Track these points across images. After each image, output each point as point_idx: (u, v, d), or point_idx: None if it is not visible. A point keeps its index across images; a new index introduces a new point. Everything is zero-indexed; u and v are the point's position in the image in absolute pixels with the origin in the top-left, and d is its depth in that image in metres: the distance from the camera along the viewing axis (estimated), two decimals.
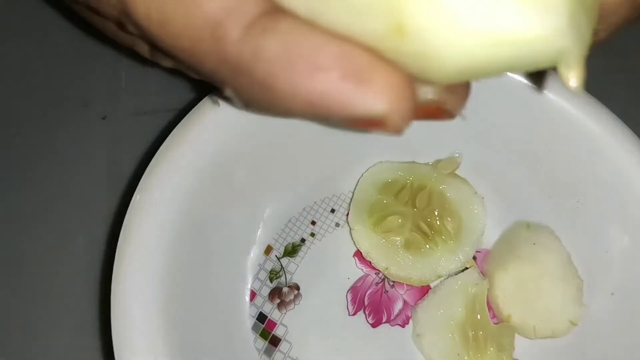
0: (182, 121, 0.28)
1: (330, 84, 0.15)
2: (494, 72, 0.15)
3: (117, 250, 0.25)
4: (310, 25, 0.15)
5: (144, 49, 0.23)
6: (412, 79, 0.16)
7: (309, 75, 0.15)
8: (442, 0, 0.14)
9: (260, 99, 0.17)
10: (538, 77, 0.30)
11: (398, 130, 0.16)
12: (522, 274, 0.31)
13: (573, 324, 0.30)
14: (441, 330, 0.30)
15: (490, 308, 0.31)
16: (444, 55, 0.14)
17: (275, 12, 0.16)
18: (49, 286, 0.32)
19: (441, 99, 0.18)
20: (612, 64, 0.41)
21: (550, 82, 0.30)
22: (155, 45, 0.19)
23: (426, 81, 0.16)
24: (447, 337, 0.30)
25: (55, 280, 0.32)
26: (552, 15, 0.14)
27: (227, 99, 0.17)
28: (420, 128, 0.33)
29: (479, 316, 0.30)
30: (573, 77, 0.16)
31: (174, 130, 0.28)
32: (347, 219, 0.33)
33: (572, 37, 0.15)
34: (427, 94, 0.18)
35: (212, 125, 0.28)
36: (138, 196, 0.26)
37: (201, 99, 0.28)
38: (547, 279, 0.30)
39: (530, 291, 0.30)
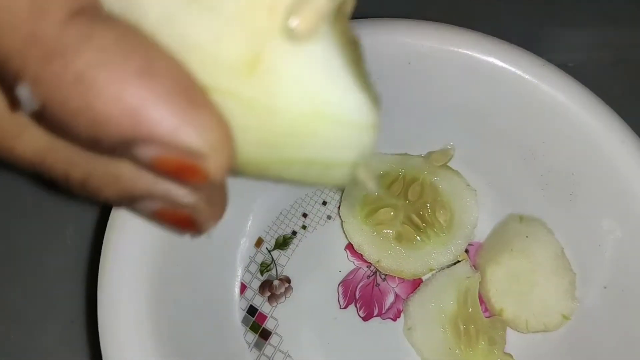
0: None
1: (160, 95, 0.13)
2: (300, 157, 0.15)
3: (103, 244, 0.25)
4: (147, 35, 0.14)
5: None
6: (232, 131, 0.14)
7: (140, 77, 0.13)
8: (303, 53, 0.14)
9: (68, 98, 0.13)
10: None
11: (211, 180, 0.14)
12: (515, 268, 0.30)
13: (566, 317, 0.30)
14: (433, 324, 0.30)
15: (482, 302, 0.31)
16: (277, 107, 0.14)
17: (107, 12, 0.14)
18: (37, 275, 0.32)
19: (199, 206, 0.16)
20: (607, 57, 0.41)
21: (544, 73, 0.29)
22: None
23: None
24: (439, 330, 0.29)
25: (45, 269, 0.32)
26: (374, 111, 0.15)
27: (15, 101, 0.14)
28: (411, 119, 0.33)
29: (470, 309, 0.30)
30: (372, 180, 0.16)
31: None
32: (338, 211, 0.33)
33: (376, 137, 0.15)
34: (186, 197, 0.16)
35: None
36: None
37: None
38: (540, 272, 0.30)
39: (523, 285, 0.30)
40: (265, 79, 0.14)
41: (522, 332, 0.30)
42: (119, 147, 0.14)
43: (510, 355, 0.30)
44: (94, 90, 0.13)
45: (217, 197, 0.18)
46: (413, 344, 0.30)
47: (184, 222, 0.17)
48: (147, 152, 0.13)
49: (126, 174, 0.16)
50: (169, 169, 0.14)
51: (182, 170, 0.14)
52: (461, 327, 0.29)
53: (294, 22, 0.13)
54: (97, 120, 0.13)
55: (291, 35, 0.13)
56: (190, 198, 0.16)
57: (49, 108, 0.13)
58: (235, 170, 0.16)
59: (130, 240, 0.25)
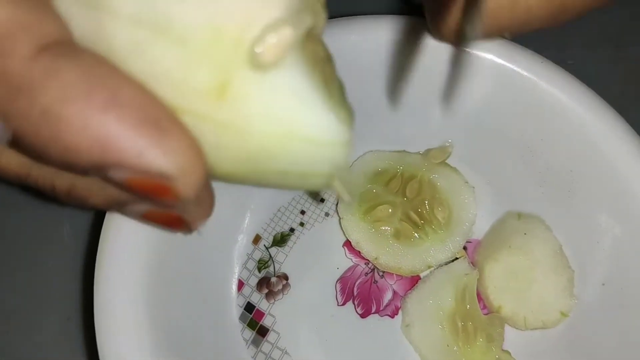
0: None
1: (126, 124, 0.13)
2: (276, 169, 0.16)
3: (100, 241, 0.25)
4: (113, 65, 0.14)
5: None
6: (203, 152, 0.15)
7: (105, 108, 0.13)
8: (271, 80, 0.14)
9: (37, 131, 0.13)
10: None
11: (182, 199, 0.15)
12: (513, 265, 0.30)
13: (564, 315, 0.30)
14: (431, 321, 0.30)
15: (480, 299, 0.31)
16: (248, 129, 0.15)
17: (76, 44, 0.14)
18: (34, 272, 0.32)
19: (186, 207, 0.17)
20: (606, 55, 0.41)
21: (542, 70, 0.29)
22: None
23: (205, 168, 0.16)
24: (437, 327, 0.29)
25: (41, 266, 0.32)
26: (346, 129, 0.16)
27: None
28: (410, 116, 0.33)
29: (468, 306, 0.30)
30: (346, 194, 0.18)
31: None
32: (336, 208, 0.33)
33: (349, 153, 0.17)
34: (167, 162, 0.16)
35: None
36: None
37: None
38: (539, 269, 0.30)
39: (521, 282, 0.30)
40: (235, 104, 0.14)
41: (520, 329, 0.30)
42: (92, 170, 0.14)
43: (508, 353, 0.29)
44: (61, 124, 0.13)
45: (203, 197, 0.18)
46: (411, 340, 0.30)
47: (174, 222, 0.18)
48: (118, 175, 0.14)
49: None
50: (141, 189, 0.14)
51: (153, 190, 0.14)
52: (459, 324, 0.29)
53: (260, 53, 0.14)
54: (68, 149, 0.14)
55: (258, 64, 0.14)
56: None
57: (20, 139, 0.14)
58: (216, 179, 0.17)
59: (126, 238, 0.25)
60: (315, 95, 0.15)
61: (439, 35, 0.27)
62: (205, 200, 0.18)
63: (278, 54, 0.14)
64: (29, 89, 0.13)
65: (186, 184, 0.14)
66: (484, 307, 0.31)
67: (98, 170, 0.14)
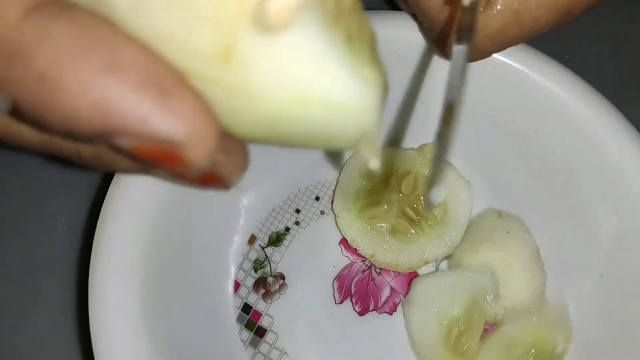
0: None
1: (127, 87, 0.12)
2: (297, 133, 0.15)
3: (94, 238, 0.25)
4: (113, 24, 0.13)
5: None
6: (214, 116, 0.14)
7: (105, 71, 0.12)
8: (281, 42, 0.13)
9: (35, 97, 0.13)
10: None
11: (194, 167, 0.14)
12: (493, 260, 0.30)
13: (533, 314, 0.30)
14: (432, 314, 0.29)
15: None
16: (261, 96, 0.14)
17: (70, 3, 0.13)
18: (29, 268, 0.32)
19: (219, 161, 0.16)
20: (604, 49, 0.41)
21: (535, 62, 0.29)
22: None
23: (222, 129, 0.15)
24: (434, 323, 0.29)
25: (36, 261, 0.32)
26: (372, 91, 0.14)
27: None
28: (403, 112, 0.33)
29: (474, 325, 0.29)
30: (374, 158, 0.16)
31: None
32: (332, 206, 0.33)
33: (378, 117, 0.15)
34: (172, 127, 0.15)
35: None
36: (115, 185, 0.26)
37: None
38: (517, 267, 0.30)
39: (498, 277, 0.30)
40: (243, 69, 0.13)
41: (489, 323, 0.30)
42: (97, 138, 0.13)
43: None
44: (59, 89, 0.12)
45: (234, 148, 0.17)
46: (406, 316, 0.30)
47: (207, 179, 0.17)
48: (123, 143, 0.13)
49: None
50: (148, 157, 0.13)
51: (161, 158, 0.13)
52: (455, 330, 0.29)
53: (265, 13, 0.13)
54: (68, 116, 0.13)
55: (264, 26, 0.13)
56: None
57: (19, 107, 0.13)
58: (239, 139, 0.16)
59: (122, 236, 0.25)
60: (335, 55, 0.14)
61: (444, 56, 0.27)
62: (238, 150, 0.17)
63: (285, 14, 0.13)
64: (22, 54, 0.12)
65: (197, 151, 0.13)
66: (489, 329, 0.30)
67: (102, 138, 0.13)
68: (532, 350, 0.29)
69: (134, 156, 0.14)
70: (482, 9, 0.23)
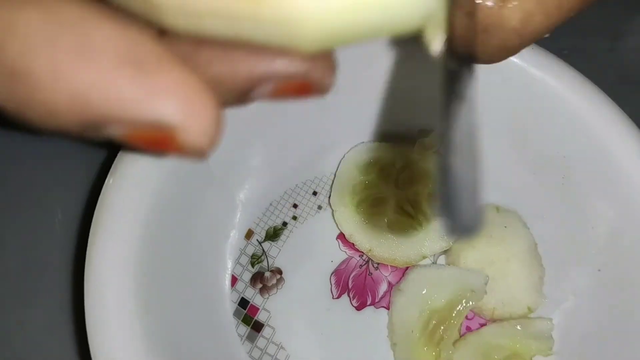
0: None
1: (102, 71, 0.11)
2: (359, 37, 0.14)
3: (90, 233, 0.25)
4: (85, 6, 0.12)
5: None
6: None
7: (76, 57, 0.11)
8: None
9: (12, 94, 0.12)
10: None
11: (193, 150, 0.12)
12: (491, 254, 0.30)
13: (530, 310, 0.30)
14: (416, 301, 0.29)
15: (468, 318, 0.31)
16: (305, 19, 0.12)
17: None
18: (25, 261, 0.32)
19: (305, 69, 0.14)
20: (601, 44, 0.41)
21: (532, 56, 0.29)
22: None
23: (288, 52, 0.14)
24: (416, 310, 0.29)
25: (33, 255, 0.32)
26: None
27: None
28: (401, 107, 0.33)
29: (452, 321, 0.29)
30: (437, 42, 0.15)
31: None
32: (329, 201, 0.33)
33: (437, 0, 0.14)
34: (287, 66, 0.15)
35: None
36: (111, 180, 0.26)
37: None
38: (515, 262, 0.30)
39: (495, 271, 0.30)
40: None
41: (485, 318, 0.30)
42: (84, 131, 0.12)
43: None
44: (32, 81, 0.11)
45: (322, 61, 0.15)
46: (393, 302, 0.30)
47: (303, 89, 0.15)
48: (113, 132, 0.12)
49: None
50: (144, 144, 0.12)
51: (157, 144, 0.12)
52: (433, 322, 0.29)
53: None
54: (48, 112, 0.12)
55: None
56: (292, 67, 0.14)
57: (2, 110, 0.12)
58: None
59: (117, 231, 0.25)
60: None
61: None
62: (324, 56, 0.15)
63: None
64: None
65: (195, 130, 0.12)
66: (467, 330, 0.30)
67: (89, 130, 0.12)
68: (509, 357, 0.28)
69: (130, 144, 0.13)
70: (501, 4, 0.23)
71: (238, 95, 0.13)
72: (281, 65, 0.14)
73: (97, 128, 0.12)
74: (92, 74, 0.11)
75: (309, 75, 0.14)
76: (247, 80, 0.13)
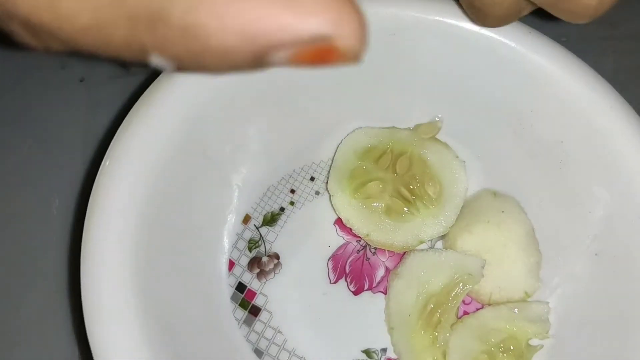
0: (151, 86, 0.27)
1: (259, 4, 0.13)
2: None
3: (86, 216, 0.25)
4: None
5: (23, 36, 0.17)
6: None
7: (231, 3, 0.13)
8: None
9: (188, 52, 0.14)
10: None
11: (355, 56, 0.14)
12: (488, 239, 0.30)
13: (527, 295, 0.30)
14: (413, 285, 0.29)
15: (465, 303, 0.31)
16: None
17: None
18: (22, 245, 0.32)
19: (331, 31, 0.15)
20: (599, 32, 0.40)
21: (530, 40, 0.29)
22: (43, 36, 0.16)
23: None
24: (413, 294, 0.29)
25: (30, 238, 0.32)
26: None
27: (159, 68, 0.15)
28: (398, 92, 0.33)
29: (449, 304, 0.29)
30: None
31: (143, 95, 0.27)
32: (326, 186, 0.33)
33: None
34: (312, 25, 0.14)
35: (181, 90, 0.27)
36: (107, 162, 0.26)
37: None
38: (512, 247, 0.30)
39: (493, 256, 0.30)
40: None
41: (483, 303, 0.30)
42: (257, 63, 0.14)
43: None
44: (205, 32, 0.13)
45: (349, 16, 0.15)
46: (390, 287, 0.30)
47: (328, 56, 0.15)
48: (280, 58, 0.14)
49: None
50: (310, 60, 0.14)
51: (321, 56, 0.14)
52: (430, 306, 0.29)
53: None
54: (224, 53, 0.13)
55: None
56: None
57: (181, 65, 0.14)
58: None
59: (113, 215, 0.25)
60: None
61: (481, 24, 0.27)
62: (351, 17, 0.15)
63: None
64: (160, 13, 0.13)
65: (347, 36, 0.14)
66: (463, 313, 0.31)
67: (261, 61, 0.14)
68: (506, 340, 0.29)
69: (294, 66, 0.14)
70: None
71: (251, 58, 0.14)
72: (305, 25, 0.14)
73: (266, 58, 0.14)
74: (253, 11, 0.13)
75: (335, 38, 0.15)
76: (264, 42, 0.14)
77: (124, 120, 0.26)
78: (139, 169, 0.26)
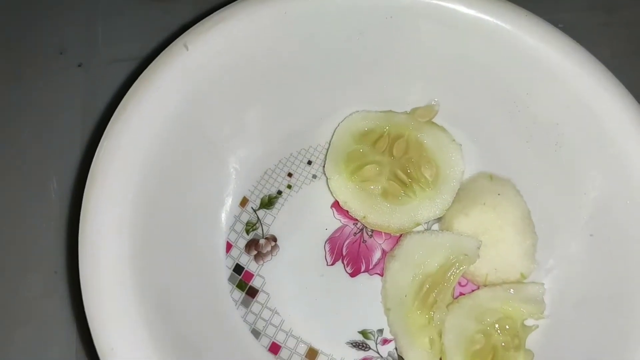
0: (149, 67, 0.27)
1: None
2: None
3: (84, 197, 0.25)
4: None
5: None
6: None
7: None
8: None
9: None
10: None
11: None
12: (485, 222, 0.30)
13: (523, 276, 0.30)
14: (409, 266, 0.30)
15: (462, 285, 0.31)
16: None
17: None
18: (22, 227, 0.32)
19: None
20: (596, 18, 0.41)
21: (526, 23, 0.29)
22: None
23: None
24: (410, 274, 0.29)
25: (29, 221, 0.32)
26: None
27: None
28: (395, 76, 0.33)
29: (445, 283, 0.29)
30: None
31: (140, 76, 0.27)
32: (324, 170, 0.33)
33: None
34: None
35: (179, 72, 0.27)
36: (104, 143, 0.26)
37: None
38: (508, 229, 0.30)
39: (489, 238, 0.30)
40: None
41: (479, 284, 0.31)
42: None
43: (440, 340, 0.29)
44: None
45: None
46: (387, 268, 0.30)
47: None
48: None
49: None
50: None
51: None
52: (426, 286, 0.29)
53: None
54: None
55: None
56: None
57: None
58: None
59: (111, 195, 0.25)
60: None
61: None
62: None
63: None
64: None
65: None
66: (459, 294, 0.31)
67: None
68: (501, 320, 0.29)
69: None
70: None
71: None
72: None
73: None
74: None
75: None
76: None
77: (122, 102, 0.26)
78: (137, 151, 0.26)
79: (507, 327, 0.28)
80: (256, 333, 0.29)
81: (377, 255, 0.32)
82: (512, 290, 0.29)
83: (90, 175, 0.25)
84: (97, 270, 0.23)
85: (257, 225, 0.32)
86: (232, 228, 0.31)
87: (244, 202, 0.32)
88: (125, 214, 0.25)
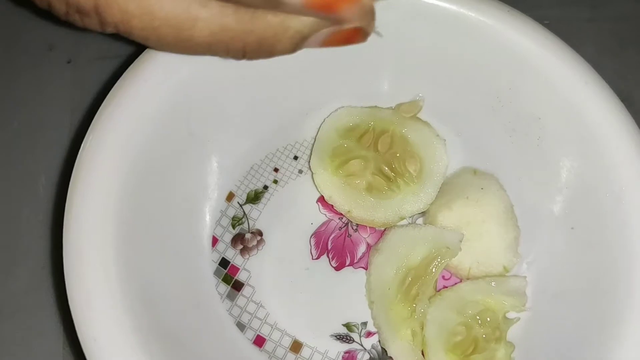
0: (134, 62, 0.27)
1: None
2: None
3: (68, 193, 0.25)
4: None
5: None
6: None
7: None
8: None
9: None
10: None
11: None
12: (467, 215, 0.31)
13: (506, 270, 0.30)
14: (392, 259, 0.30)
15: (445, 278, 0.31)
16: None
17: None
18: (8, 222, 0.32)
19: (358, 19, 0.20)
20: (581, 14, 0.41)
21: (508, 18, 0.29)
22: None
23: None
24: (393, 268, 0.30)
25: (16, 216, 0.33)
26: None
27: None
28: (379, 71, 0.33)
29: (427, 276, 0.30)
30: None
31: (126, 71, 0.27)
32: (309, 165, 0.33)
33: None
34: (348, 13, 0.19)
35: (164, 67, 0.27)
36: (90, 137, 0.26)
37: None
38: (491, 222, 0.30)
39: (472, 232, 0.30)
40: None
41: (462, 278, 0.31)
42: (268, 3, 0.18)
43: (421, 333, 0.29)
44: None
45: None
46: (371, 262, 0.31)
47: (352, 36, 0.22)
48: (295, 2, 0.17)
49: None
50: (319, 7, 0.18)
51: (329, 5, 0.18)
52: (408, 279, 0.29)
53: None
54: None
55: None
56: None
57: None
58: None
59: (95, 190, 0.25)
60: None
61: None
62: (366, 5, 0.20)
63: None
64: None
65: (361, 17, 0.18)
66: (442, 287, 0.31)
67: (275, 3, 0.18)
68: (483, 312, 0.29)
69: (305, 12, 0.18)
70: None
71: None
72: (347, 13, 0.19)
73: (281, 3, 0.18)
74: None
75: (359, 22, 0.20)
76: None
77: (107, 96, 0.27)
78: (122, 144, 0.26)
79: (488, 319, 0.29)
80: (241, 326, 0.30)
81: (362, 249, 0.32)
82: (494, 283, 0.30)
83: (75, 169, 0.25)
84: (80, 261, 0.24)
85: (243, 219, 0.32)
86: (218, 222, 0.31)
87: (230, 196, 0.32)
88: (110, 208, 0.25)
